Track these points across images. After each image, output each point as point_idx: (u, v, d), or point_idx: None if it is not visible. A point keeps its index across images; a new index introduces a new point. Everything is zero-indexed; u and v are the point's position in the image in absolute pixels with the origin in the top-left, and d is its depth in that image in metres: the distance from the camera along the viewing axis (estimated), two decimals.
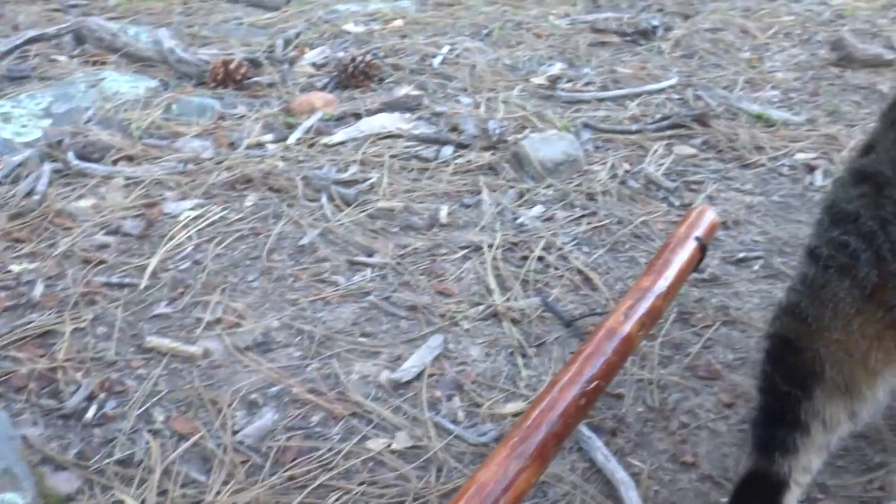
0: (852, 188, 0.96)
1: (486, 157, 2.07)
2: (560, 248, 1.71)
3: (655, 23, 2.96)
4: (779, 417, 0.98)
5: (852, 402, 0.96)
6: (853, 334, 0.93)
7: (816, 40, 3.02)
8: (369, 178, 1.97)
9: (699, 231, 1.31)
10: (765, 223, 1.84)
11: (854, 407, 0.96)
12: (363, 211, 1.84)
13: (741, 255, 1.71)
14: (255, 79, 2.52)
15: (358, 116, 2.25)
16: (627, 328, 1.10)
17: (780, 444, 0.96)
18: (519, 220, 1.83)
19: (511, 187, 1.95)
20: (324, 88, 2.50)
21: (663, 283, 1.18)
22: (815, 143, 2.19)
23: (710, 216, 1.35)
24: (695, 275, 1.61)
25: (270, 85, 2.50)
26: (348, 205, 1.86)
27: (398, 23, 3.14)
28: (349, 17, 3.25)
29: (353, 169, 2.01)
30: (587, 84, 2.56)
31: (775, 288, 1.60)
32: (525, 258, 1.68)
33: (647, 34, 2.92)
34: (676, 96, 2.48)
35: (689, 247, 1.28)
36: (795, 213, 1.89)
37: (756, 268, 1.67)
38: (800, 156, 2.13)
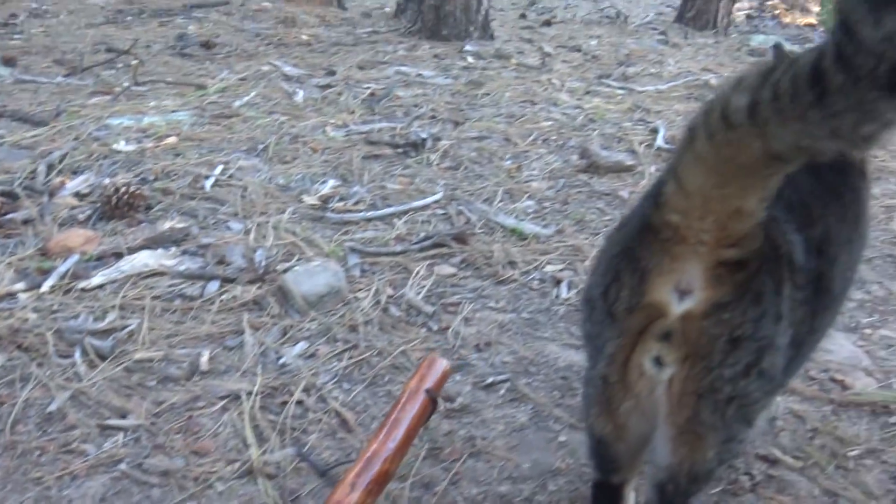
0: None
1: (252, 291, 2.09)
2: (320, 389, 1.76)
3: (424, 135, 3.14)
4: None
5: None
6: None
7: (570, 146, 3.31)
8: (128, 326, 1.93)
9: (430, 382, 1.40)
10: (514, 342, 1.98)
11: None
12: (119, 364, 1.80)
13: (490, 379, 1.82)
14: (10, 215, 2.40)
15: (119, 255, 2.20)
16: (355, 498, 1.15)
17: None
18: (282, 361, 1.85)
19: (275, 324, 1.98)
20: (87, 221, 2.43)
21: (391, 445, 1.25)
22: (562, 254, 2.39)
23: (441, 366, 1.44)
24: (447, 404, 1.71)
25: (27, 221, 2.40)
26: (103, 359, 1.81)
27: (171, 140, 3.12)
28: (121, 133, 3.19)
29: (112, 316, 1.96)
30: (358, 202, 2.66)
31: (519, 412, 1.72)
32: (285, 403, 1.71)
33: (416, 146, 3.09)
34: (441, 211, 2.63)
35: (420, 401, 1.36)
36: (542, 329, 2.05)
37: (503, 392, 1.79)
38: (549, 268, 2.33)
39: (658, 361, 1.00)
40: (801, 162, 0.85)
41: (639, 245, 0.99)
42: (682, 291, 0.96)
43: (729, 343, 0.95)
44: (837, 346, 2.05)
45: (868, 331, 2.15)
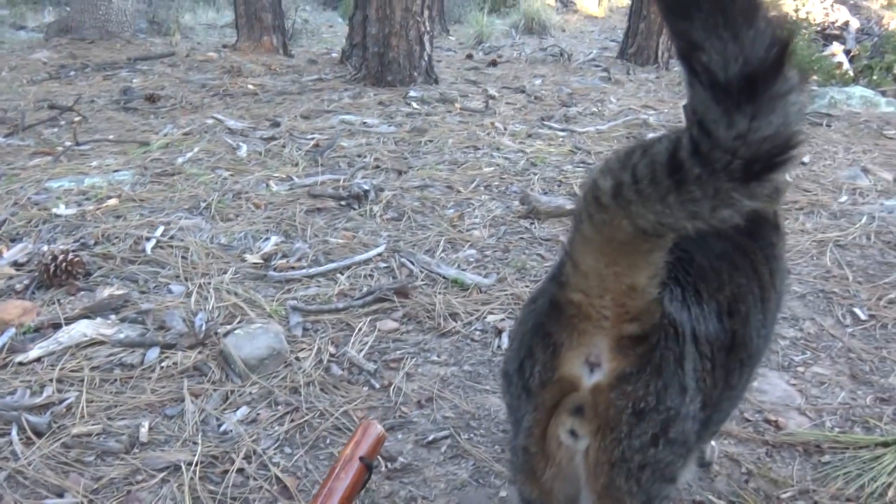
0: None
1: (193, 357, 2.08)
2: (261, 455, 1.75)
3: (367, 186, 3.17)
4: None
5: None
6: None
7: (512, 191, 3.38)
8: (66, 399, 1.91)
9: (365, 447, 1.41)
10: (455, 396, 2.00)
11: None
12: (57, 440, 1.78)
13: (431, 436, 1.84)
14: None
15: (58, 326, 2.18)
16: None
17: None
18: (223, 427, 1.85)
19: (216, 390, 1.98)
20: (24, 291, 2.40)
21: None
22: (503, 303, 2.43)
23: (376, 431, 1.46)
24: (388, 465, 1.72)
25: None
26: (40, 435, 1.78)
27: (113, 202, 3.10)
28: (61, 196, 3.17)
29: (49, 390, 1.94)
30: (300, 259, 2.68)
31: (460, 469, 1.74)
32: (225, 472, 1.71)
33: (360, 198, 3.12)
34: (384, 264, 2.66)
35: (355, 468, 1.37)
36: (484, 381, 2.08)
37: (444, 448, 1.81)
38: (490, 318, 2.36)
39: (573, 433, 1.03)
40: (672, 238, 0.90)
41: (548, 321, 1.03)
42: (592, 364, 1.00)
43: (634, 415, 0.99)
44: (771, 386, 2.11)
45: (801, 369, 2.21)
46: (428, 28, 5.61)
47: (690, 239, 0.95)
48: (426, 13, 5.53)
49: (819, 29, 13.60)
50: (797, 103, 0.75)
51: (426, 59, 5.71)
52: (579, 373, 1.01)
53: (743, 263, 1.25)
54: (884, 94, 7.17)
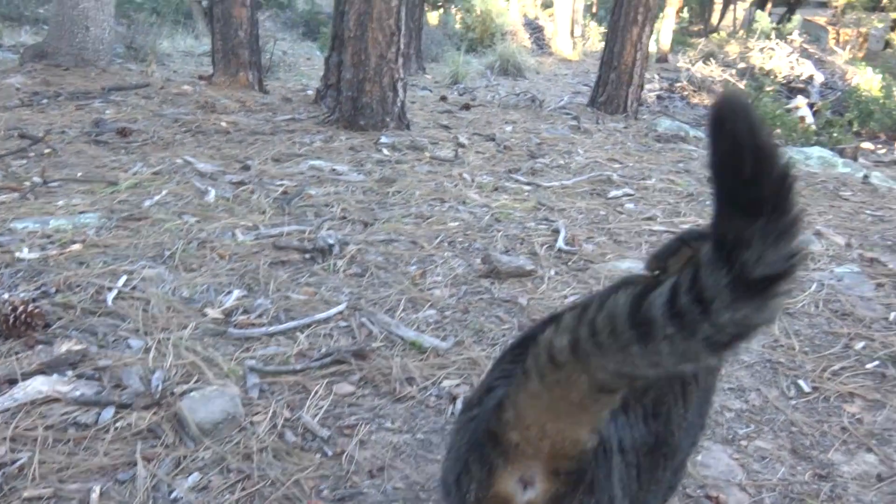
0: None
1: (148, 418, 2.10)
2: None
3: (332, 241, 3.21)
4: None
5: None
6: None
7: (475, 248, 3.44)
8: (19, 459, 1.92)
9: None
10: (406, 466, 2.04)
11: None
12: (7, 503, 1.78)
13: None
14: None
15: (14, 382, 2.19)
16: None
17: None
18: (173, 495, 1.87)
19: (168, 454, 1.99)
20: None
21: None
22: (459, 368, 2.48)
23: None
24: None
25: None
26: None
27: (77, 247, 3.11)
28: (25, 238, 3.18)
29: (2, 450, 1.95)
30: (261, 315, 2.71)
31: None
32: None
33: (324, 252, 3.16)
34: (344, 323, 2.70)
35: None
36: (436, 450, 2.12)
37: None
38: (446, 383, 2.41)
39: None
40: (624, 389, 0.95)
41: (485, 442, 1.07)
42: (526, 483, 1.05)
43: None
44: (714, 460, 2.18)
45: (744, 442, 2.28)
46: (401, 75, 5.70)
47: None
48: (400, 60, 5.63)
49: (784, 82, 14.00)
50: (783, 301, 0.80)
51: (399, 104, 5.80)
52: (513, 491, 1.05)
53: None
54: (842, 153, 7.40)
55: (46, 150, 4.93)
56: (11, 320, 2.43)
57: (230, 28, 7.35)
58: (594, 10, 29.13)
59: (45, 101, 6.61)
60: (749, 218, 0.77)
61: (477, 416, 1.16)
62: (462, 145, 5.64)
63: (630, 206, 4.31)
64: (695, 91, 13.35)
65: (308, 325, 2.65)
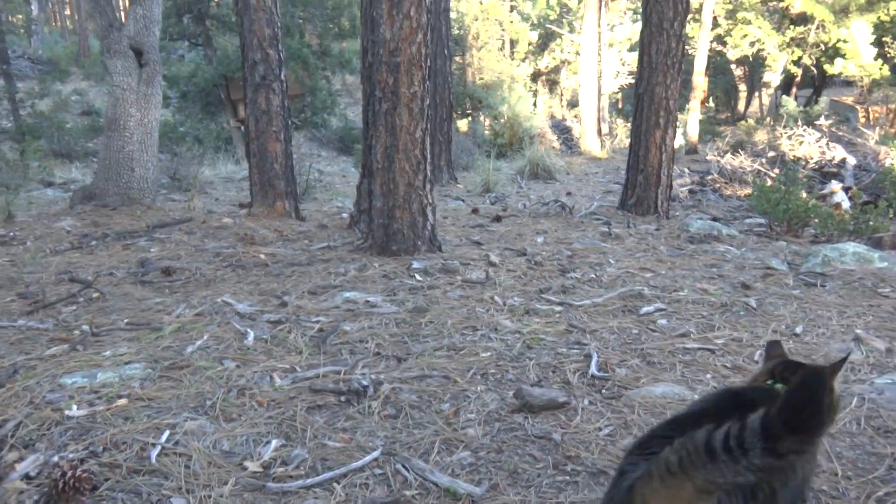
0: None
1: None
2: None
3: (365, 382, 3.29)
4: None
5: None
6: None
7: (508, 379, 3.48)
8: None
9: None
10: None
11: None
12: None
13: None
14: None
15: None
16: None
17: None
18: None
19: None
20: None
21: None
22: None
23: None
24: None
25: None
26: None
27: (122, 401, 3.23)
28: (74, 394, 3.30)
29: None
30: (298, 466, 2.77)
31: None
32: None
33: (359, 394, 3.23)
34: (379, 471, 2.73)
35: None
36: None
37: None
38: None
39: None
40: (718, 491, 1.40)
41: None
42: None
43: None
44: None
45: None
46: (430, 200, 5.89)
47: None
48: (428, 187, 5.83)
49: (816, 167, 14.03)
50: None
51: (429, 228, 5.97)
52: None
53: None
54: (879, 243, 7.35)
55: (95, 295, 5.16)
56: (61, 485, 2.52)
57: (266, 161, 7.70)
58: (620, 105, 29.74)
59: (93, 242, 6.94)
60: (792, 431, 1.32)
61: (613, 497, 1.61)
62: (493, 264, 5.75)
63: (663, 322, 4.33)
64: (726, 183, 13.43)
65: (344, 475, 2.69)
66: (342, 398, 3.26)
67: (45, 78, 22.90)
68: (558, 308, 4.56)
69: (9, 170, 12.96)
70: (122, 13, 19.19)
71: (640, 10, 9.93)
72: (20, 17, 32.60)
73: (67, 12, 52.16)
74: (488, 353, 3.76)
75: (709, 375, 3.53)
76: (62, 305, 4.96)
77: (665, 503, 1.43)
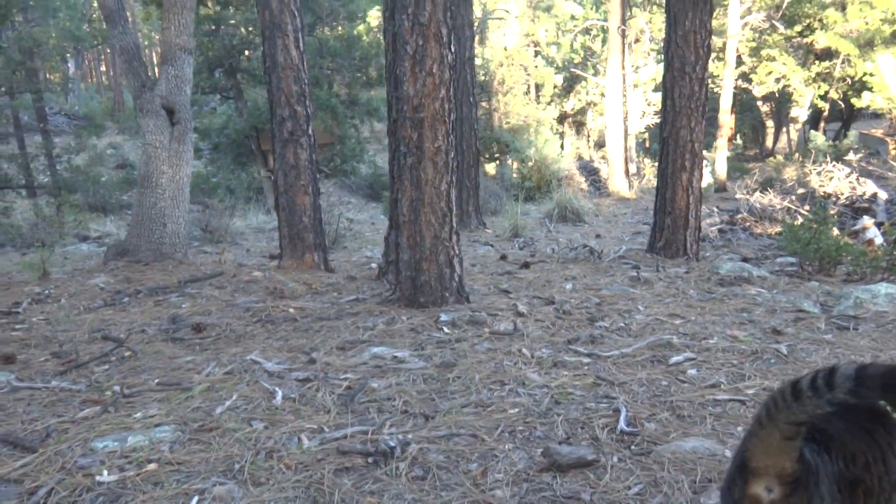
0: None
1: None
2: None
3: (393, 443, 3.28)
4: None
5: None
6: None
7: (536, 436, 3.45)
8: None
9: None
10: None
11: None
12: None
13: None
14: None
15: None
16: None
17: None
18: None
19: None
20: None
21: None
22: None
23: None
24: None
25: None
26: None
27: (152, 466, 3.25)
28: (105, 459, 3.34)
29: None
30: None
31: None
32: None
33: (386, 455, 3.22)
34: None
35: None
36: None
37: None
38: None
39: None
40: (802, 434, 1.59)
41: (742, 467, 1.71)
42: (769, 489, 1.66)
43: None
44: None
45: None
46: (457, 252, 5.92)
47: (826, 421, 1.63)
48: (454, 238, 5.86)
49: (847, 203, 13.87)
50: None
51: (457, 279, 5.98)
52: (763, 494, 1.67)
53: (863, 435, 1.79)
54: None
55: (127, 353, 5.23)
56: None
57: (294, 215, 7.81)
58: (647, 144, 29.77)
59: (126, 298, 7.05)
60: (882, 389, 1.47)
61: (737, 451, 1.80)
62: (521, 314, 5.73)
63: (692, 372, 4.28)
64: (756, 221, 13.31)
65: None
66: (370, 459, 3.25)
67: (81, 133, 23.53)
68: (586, 360, 4.52)
69: (45, 225, 13.28)
70: (157, 70, 19.73)
71: (662, 53, 9.99)
72: (58, 74, 33.68)
73: (103, 68, 53.82)
74: (516, 410, 3.73)
75: (739, 428, 3.47)
76: (95, 365, 5.03)
77: (761, 455, 1.64)
